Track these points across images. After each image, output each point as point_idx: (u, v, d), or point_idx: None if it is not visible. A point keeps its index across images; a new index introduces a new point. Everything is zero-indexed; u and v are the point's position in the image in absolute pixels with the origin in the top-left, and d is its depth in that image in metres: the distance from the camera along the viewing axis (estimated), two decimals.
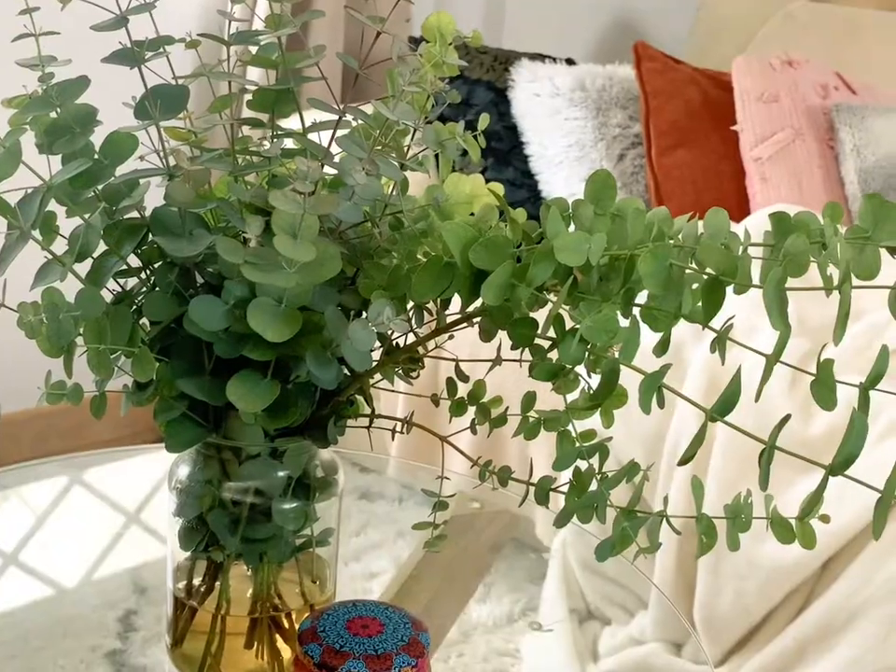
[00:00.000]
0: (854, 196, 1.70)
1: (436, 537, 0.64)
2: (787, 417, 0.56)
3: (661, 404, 0.54)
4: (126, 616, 1.23)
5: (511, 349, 0.57)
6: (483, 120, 0.73)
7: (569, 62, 2.13)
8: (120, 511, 1.43)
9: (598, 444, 0.57)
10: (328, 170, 0.59)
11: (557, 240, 0.51)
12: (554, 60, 2.05)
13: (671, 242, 0.55)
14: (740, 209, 1.75)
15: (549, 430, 0.63)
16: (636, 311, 0.56)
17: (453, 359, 0.62)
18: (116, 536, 1.42)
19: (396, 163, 0.59)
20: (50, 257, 0.61)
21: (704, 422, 0.54)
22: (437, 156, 0.67)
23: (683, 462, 0.56)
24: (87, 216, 0.61)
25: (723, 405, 0.54)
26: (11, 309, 0.60)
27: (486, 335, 0.61)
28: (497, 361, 0.60)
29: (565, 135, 1.87)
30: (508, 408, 0.63)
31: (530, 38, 2.56)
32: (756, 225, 1.73)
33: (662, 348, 0.56)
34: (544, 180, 1.89)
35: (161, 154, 0.61)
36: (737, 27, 2.40)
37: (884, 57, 2.09)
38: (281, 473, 0.65)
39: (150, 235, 0.64)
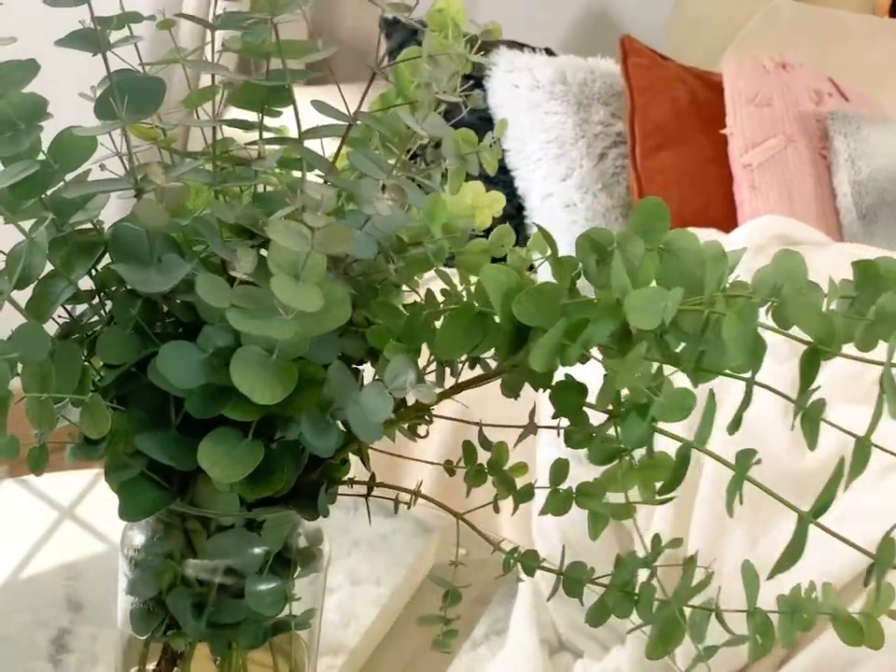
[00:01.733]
0: (846, 209, 1.63)
1: (447, 633, 0.54)
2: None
3: (740, 500, 0.44)
4: (59, 636, 1.13)
5: (553, 417, 0.47)
6: (501, 126, 0.63)
7: (549, 52, 2.02)
8: (52, 506, 1.33)
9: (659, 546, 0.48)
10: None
11: (630, 298, 0.41)
12: (533, 49, 1.95)
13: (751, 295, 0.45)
14: (727, 218, 1.67)
15: (582, 507, 0.53)
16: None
17: (474, 423, 0.52)
18: (46, 534, 1.31)
19: (415, 186, 0.48)
20: None
21: (684, 449, 0.44)
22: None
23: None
24: (30, 231, 0.50)
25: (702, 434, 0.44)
26: None
27: (511, 391, 0.50)
28: (531, 430, 0.50)
29: (544, 131, 1.77)
30: (536, 481, 0.52)
31: (503, 25, 2.45)
32: (747, 237, 1.65)
33: (735, 425, 0.46)
34: (521, 177, 1.78)
35: (125, 160, 0.49)
36: (717, 22, 2.32)
37: (869, 60, 2.02)
38: (258, 549, 0.54)
39: (108, 255, 0.53)
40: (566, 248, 0.44)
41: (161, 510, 0.52)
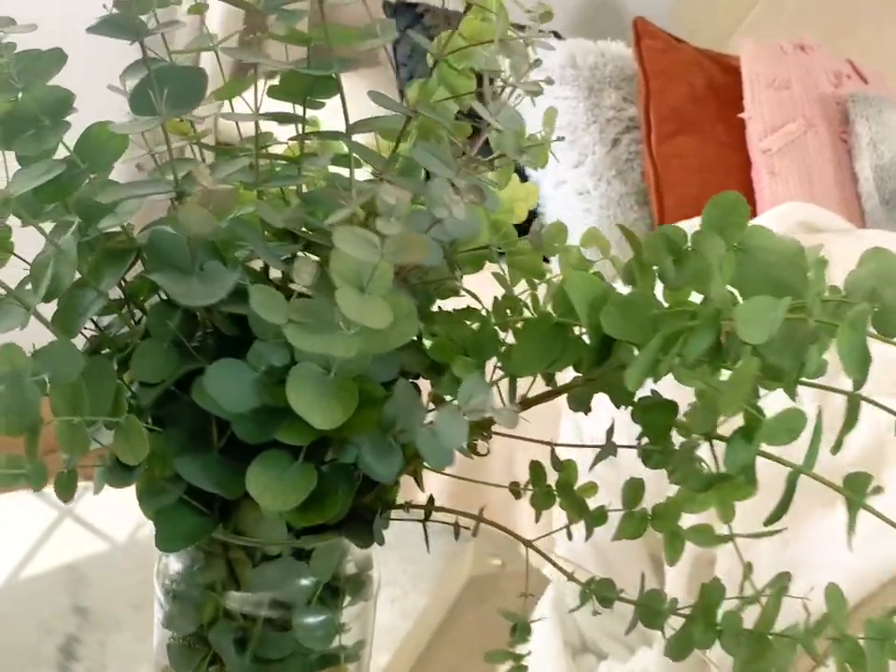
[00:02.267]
0: (868, 194, 1.59)
1: (516, 669, 0.49)
2: None
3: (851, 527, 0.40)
4: (67, 644, 1.09)
5: (638, 438, 0.43)
6: (550, 116, 0.59)
7: (556, 35, 1.97)
8: (51, 504, 1.29)
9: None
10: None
11: (741, 310, 0.37)
12: (540, 32, 1.89)
13: (860, 302, 0.41)
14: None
15: (659, 529, 0.49)
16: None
17: (545, 442, 0.47)
18: (44, 535, 1.27)
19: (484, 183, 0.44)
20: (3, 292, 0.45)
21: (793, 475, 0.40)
22: None
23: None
24: (54, 235, 0.45)
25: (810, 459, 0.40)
26: None
27: (581, 405, 0.46)
28: (610, 450, 0.46)
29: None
30: (610, 504, 0.48)
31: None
32: (769, 225, 1.60)
33: (837, 447, 0.42)
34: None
35: (157, 158, 0.45)
36: (724, 6, 2.27)
37: (884, 42, 1.98)
38: (306, 580, 0.50)
39: (140, 262, 0.48)
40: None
41: (201, 539, 0.48)
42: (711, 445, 0.41)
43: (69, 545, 1.25)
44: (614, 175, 1.69)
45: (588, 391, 0.46)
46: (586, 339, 0.41)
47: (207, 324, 0.47)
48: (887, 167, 1.59)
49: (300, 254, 0.41)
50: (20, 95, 0.42)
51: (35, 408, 0.41)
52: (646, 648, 1.33)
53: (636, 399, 0.43)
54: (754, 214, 1.62)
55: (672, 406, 0.42)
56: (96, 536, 1.29)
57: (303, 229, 0.44)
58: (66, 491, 0.48)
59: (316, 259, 0.42)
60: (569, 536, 0.48)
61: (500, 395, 0.46)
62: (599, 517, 0.48)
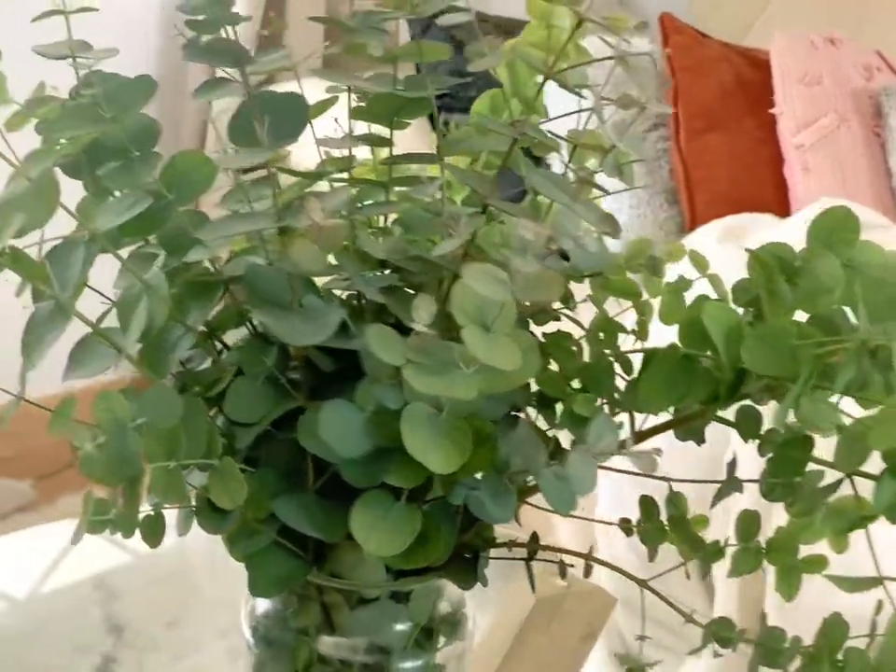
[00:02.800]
0: None
1: None
2: None
3: None
4: (104, 665, 1.08)
5: (774, 474, 0.41)
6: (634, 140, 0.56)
7: None
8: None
9: None
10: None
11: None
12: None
13: None
14: (778, 201, 1.60)
15: (774, 563, 0.47)
16: None
17: (660, 478, 0.45)
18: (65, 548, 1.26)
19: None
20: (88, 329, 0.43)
21: None
22: None
23: None
24: (140, 270, 0.43)
25: None
26: (42, 407, 0.41)
27: (692, 435, 0.44)
28: (734, 486, 0.43)
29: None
30: (727, 540, 0.46)
31: (516, 3, 2.36)
32: (807, 222, 1.57)
33: None
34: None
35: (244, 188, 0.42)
36: None
37: None
38: (403, 625, 0.47)
39: (226, 294, 0.46)
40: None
41: (297, 584, 0.46)
42: (852, 482, 0.38)
43: (92, 556, 1.24)
44: (644, 172, 1.67)
45: (702, 423, 0.43)
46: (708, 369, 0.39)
47: (298, 359, 0.45)
48: None
49: (421, 294, 0.38)
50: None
51: (137, 458, 0.39)
52: (694, 659, 1.31)
53: (762, 432, 0.41)
54: (787, 211, 1.59)
55: (809, 441, 0.40)
56: (117, 546, 1.27)
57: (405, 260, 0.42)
58: (154, 535, 0.45)
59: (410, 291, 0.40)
60: (687, 576, 0.45)
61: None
62: (716, 553, 0.45)
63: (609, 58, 0.43)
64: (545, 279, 0.33)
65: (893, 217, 1.60)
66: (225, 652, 1.48)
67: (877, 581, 0.42)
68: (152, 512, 0.45)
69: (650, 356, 0.40)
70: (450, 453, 0.38)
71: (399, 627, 0.48)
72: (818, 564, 0.47)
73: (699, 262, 0.51)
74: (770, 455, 0.42)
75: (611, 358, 0.42)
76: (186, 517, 0.47)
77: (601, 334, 0.47)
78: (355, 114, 0.47)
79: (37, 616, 1.05)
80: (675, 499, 0.46)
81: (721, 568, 1.24)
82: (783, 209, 1.60)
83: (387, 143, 0.45)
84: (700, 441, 0.44)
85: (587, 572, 0.46)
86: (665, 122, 1.70)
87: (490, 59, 0.41)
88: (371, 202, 0.46)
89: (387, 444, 0.40)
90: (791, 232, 1.49)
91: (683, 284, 0.50)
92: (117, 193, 0.43)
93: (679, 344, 0.39)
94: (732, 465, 0.43)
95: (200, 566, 1.45)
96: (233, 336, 0.50)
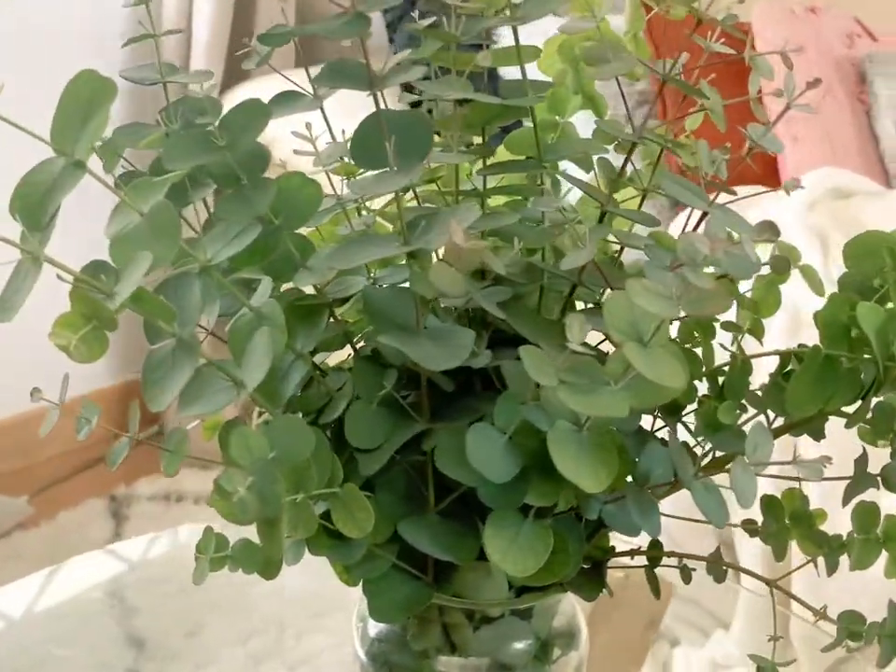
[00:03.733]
0: (893, 155, 1.58)
1: None
2: None
3: None
4: None
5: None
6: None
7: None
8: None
9: None
10: None
11: None
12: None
13: None
14: (767, 172, 1.60)
15: (890, 551, 0.46)
16: None
17: (792, 478, 0.45)
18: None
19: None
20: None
21: None
22: None
23: None
24: (251, 299, 0.41)
25: None
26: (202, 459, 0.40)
27: (815, 434, 0.44)
28: (868, 482, 0.43)
29: None
30: (850, 534, 0.46)
31: None
32: (803, 193, 1.59)
33: None
34: None
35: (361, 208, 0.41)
36: None
37: None
38: (525, 641, 0.47)
39: (334, 318, 0.45)
40: None
41: (421, 606, 0.45)
42: None
43: (104, 569, 1.22)
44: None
45: (824, 421, 0.43)
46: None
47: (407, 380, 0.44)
48: None
49: (573, 313, 0.37)
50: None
51: (280, 496, 0.37)
52: (722, 630, 1.32)
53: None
54: (777, 182, 1.60)
55: None
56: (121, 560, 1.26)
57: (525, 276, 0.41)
58: (274, 570, 0.44)
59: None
60: (818, 571, 0.45)
61: None
62: (841, 547, 0.45)
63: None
64: (714, 293, 0.33)
65: (882, 183, 1.61)
66: (245, 658, 1.47)
67: None
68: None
69: (786, 359, 0.40)
70: (599, 470, 0.37)
71: (519, 645, 0.48)
72: None
73: (791, 254, 0.50)
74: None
75: (744, 364, 0.42)
76: (297, 546, 0.46)
77: (695, 333, 0.47)
78: (440, 125, 0.46)
79: (53, 630, 1.03)
80: (794, 495, 0.46)
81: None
82: (773, 181, 1.60)
83: (490, 153, 0.44)
84: (820, 436, 0.44)
85: (719, 577, 0.46)
86: (648, 100, 1.70)
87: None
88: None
89: (529, 465, 0.39)
90: (785, 203, 1.49)
91: (779, 277, 0.49)
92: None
93: (821, 346, 0.38)
94: (862, 460, 0.43)
95: (212, 575, 1.43)
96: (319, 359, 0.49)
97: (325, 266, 0.40)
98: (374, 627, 0.50)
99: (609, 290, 0.45)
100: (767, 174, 1.62)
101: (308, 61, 0.46)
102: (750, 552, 1.30)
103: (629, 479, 0.41)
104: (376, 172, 0.37)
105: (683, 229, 0.42)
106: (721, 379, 0.43)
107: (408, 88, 0.57)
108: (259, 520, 0.38)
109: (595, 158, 0.48)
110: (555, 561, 0.43)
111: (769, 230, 0.37)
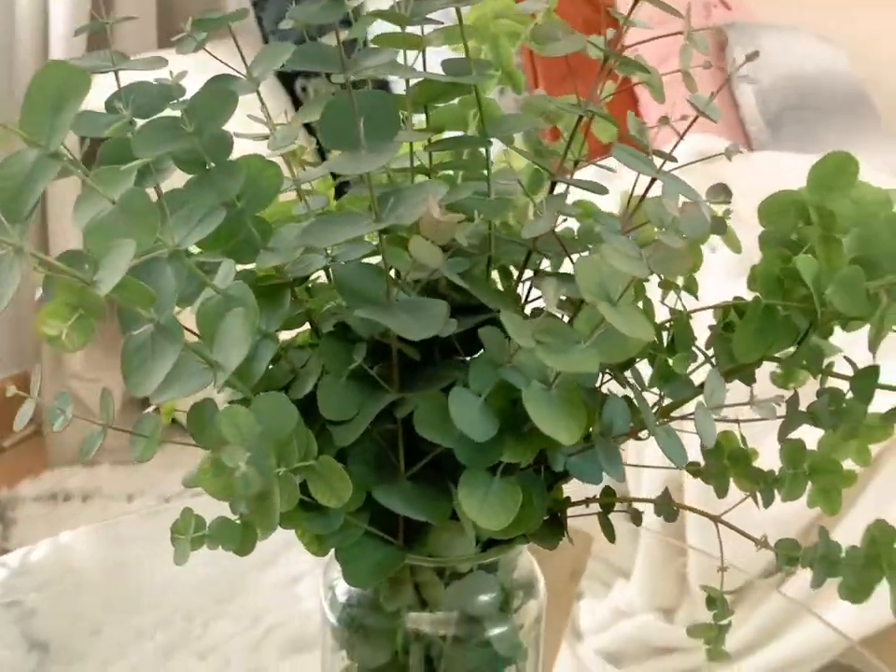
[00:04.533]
0: (752, 119, 1.66)
1: (718, 643, 0.51)
2: None
3: None
4: None
5: (831, 405, 0.45)
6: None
7: None
8: None
9: None
10: None
11: None
12: None
13: None
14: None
15: (819, 484, 0.51)
16: None
17: (732, 420, 0.48)
18: None
19: None
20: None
21: None
22: None
23: None
24: (216, 280, 0.42)
25: None
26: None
27: (747, 379, 0.48)
28: (800, 419, 0.47)
29: None
30: (781, 469, 0.50)
31: None
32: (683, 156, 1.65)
33: None
34: None
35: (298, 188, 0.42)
36: None
37: None
38: (491, 593, 0.49)
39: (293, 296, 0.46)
40: None
41: (395, 569, 0.47)
42: None
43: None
44: None
45: (756, 367, 0.47)
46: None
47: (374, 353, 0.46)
48: (767, 91, 1.67)
49: (548, 277, 0.40)
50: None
51: (273, 470, 0.39)
52: (623, 580, 1.39)
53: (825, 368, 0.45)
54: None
55: (876, 370, 0.44)
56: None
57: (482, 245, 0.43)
58: (248, 545, 0.45)
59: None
60: (757, 503, 0.49)
61: None
62: (774, 481, 0.49)
63: None
64: (678, 253, 0.36)
65: (744, 145, 1.70)
66: (154, 651, 1.45)
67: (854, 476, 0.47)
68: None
69: (727, 311, 0.43)
70: (571, 424, 0.40)
71: (486, 597, 0.50)
72: (849, 479, 0.52)
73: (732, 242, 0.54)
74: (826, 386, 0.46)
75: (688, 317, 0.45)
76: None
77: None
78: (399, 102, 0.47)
79: None
80: (731, 437, 0.50)
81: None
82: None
83: (439, 130, 0.46)
84: (751, 381, 0.48)
85: (669, 516, 0.50)
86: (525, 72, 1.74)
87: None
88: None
89: (502, 425, 0.41)
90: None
91: (702, 237, 0.53)
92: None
93: (760, 297, 0.42)
94: (793, 400, 0.47)
95: (105, 571, 1.42)
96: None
97: (299, 245, 0.41)
98: (344, 594, 0.52)
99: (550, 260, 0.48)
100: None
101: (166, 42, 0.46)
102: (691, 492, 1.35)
103: (594, 432, 0.44)
104: (345, 152, 0.38)
105: (630, 196, 0.45)
106: (664, 334, 0.46)
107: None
108: (255, 494, 0.39)
109: (522, 133, 0.51)
110: (523, 514, 0.45)
111: (723, 191, 0.41)
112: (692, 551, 1.28)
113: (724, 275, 1.40)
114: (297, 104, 1.57)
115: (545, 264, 0.50)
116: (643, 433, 0.47)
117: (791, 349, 0.44)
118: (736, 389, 0.47)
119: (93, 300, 0.36)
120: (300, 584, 1.61)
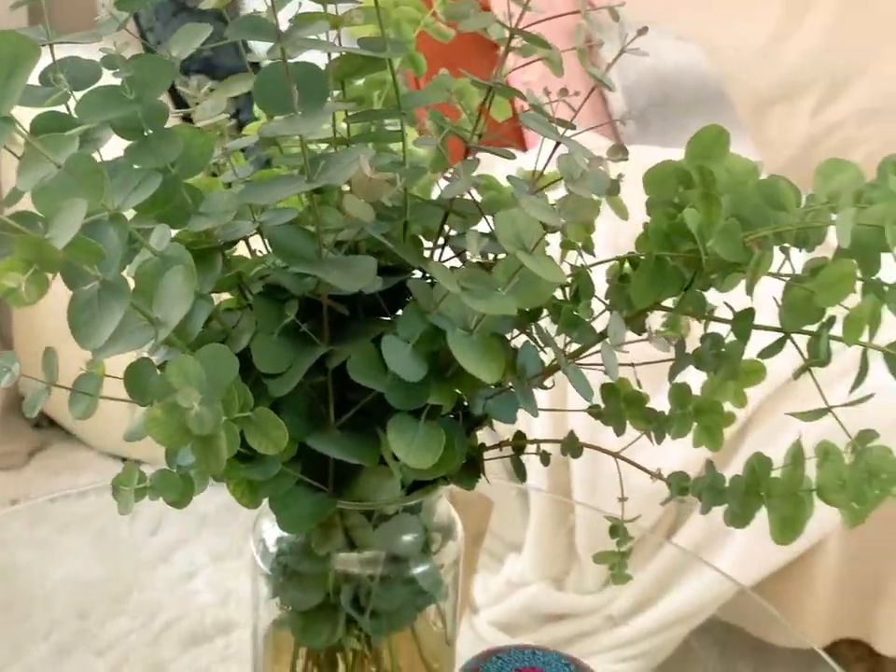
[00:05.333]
0: (619, 112, 1.75)
1: (620, 568, 0.56)
2: None
3: None
4: None
5: (712, 349, 0.50)
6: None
7: None
8: None
9: None
10: None
11: (839, 223, 0.45)
12: None
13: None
14: (514, 136, 1.73)
15: (702, 422, 0.57)
16: None
17: (627, 364, 0.53)
18: None
19: None
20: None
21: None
22: None
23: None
24: (151, 242, 0.45)
25: None
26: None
27: (637, 329, 0.53)
28: (687, 360, 0.52)
29: None
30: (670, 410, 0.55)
31: None
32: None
33: None
34: None
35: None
36: None
37: None
38: (414, 534, 0.53)
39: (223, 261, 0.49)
40: None
41: (327, 512, 0.50)
42: (793, 340, 0.49)
43: None
44: None
45: (645, 316, 0.52)
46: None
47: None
48: (633, 87, 1.76)
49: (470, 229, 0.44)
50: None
51: (220, 414, 0.41)
52: (514, 554, 1.44)
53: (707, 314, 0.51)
54: (525, 148, 1.73)
55: (752, 312, 0.49)
56: None
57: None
58: (187, 497, 0.48)
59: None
60: (651, 440, 0.55)
61: None
62: (665, 421, 0.55)
63: None
64: (587, 202, 0.40)
65: (612, 138, 1.79)
66: (50, 651, 1.44)
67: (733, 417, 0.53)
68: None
69: (621, 263, 0.49)
70: (491, 364, 0.44)
71: (409, 537, 0.54)
72: (729, 419, 0.58)
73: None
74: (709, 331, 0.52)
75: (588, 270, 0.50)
76: (203, 475, 0.50)
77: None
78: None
79: None
80: (624, 383, 0.55)
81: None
82: (521, 142, 1.74)
83: (362, 101, 0.49)
84: (642, 331, 0.53)
85: (575, 454, 0.55)
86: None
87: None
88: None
89: (428, 370, 0.45)
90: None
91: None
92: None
93: (651, 250, 0.47)
94: (681, 344, 0.53)
95: None
96: None
97: (240, 202, 0.44)
98: (274, 544, 0.55)
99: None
100: (513, 135, 1.75)
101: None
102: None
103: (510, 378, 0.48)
104: (281, 117, 0.41)
105: (536, 161, 0.50)
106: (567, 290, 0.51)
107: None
108: (202, 437, 0.42)
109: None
110: (445, 456, 0.49)
111: (621, 151, 0.45)
112: (579, 520, 1.34)
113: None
114: (176, 99, 1.57)
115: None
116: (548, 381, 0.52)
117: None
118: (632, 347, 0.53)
119: (49, 254, 0.38)
120: (194, 580, 1.61)
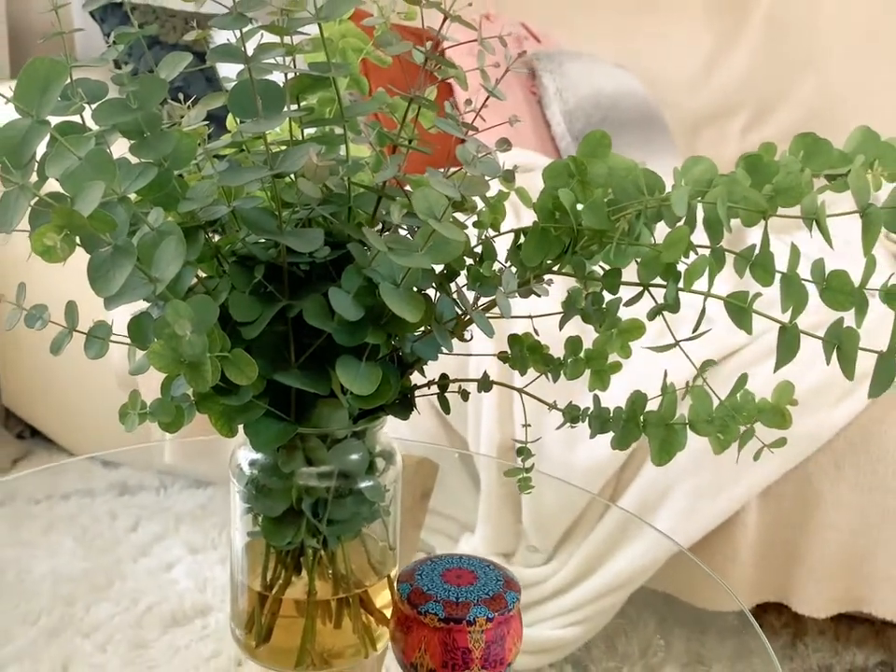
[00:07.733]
0: (561, 135, 1.90)
1: (525, 478, 0.70)
2: None
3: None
4: None
5: (593, 304, 0.64)
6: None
7: None
8: None
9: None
10: None
11: (673, 196, 0.59)
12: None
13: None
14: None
15: (593, 367, 0.71)
16: None
17: (525, 317, 0.67)
18: None
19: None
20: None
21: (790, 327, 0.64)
22: None
23: None
24: (155, 224, 0.58)
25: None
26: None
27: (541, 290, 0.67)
28: (573, 312, 0.66)
29: None
30: (563, 357, 0.69)
31: None
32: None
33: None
34: None
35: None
36: None
37: (549, 3, 2.30)
38: (360, 454, 0.67)
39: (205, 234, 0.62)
40: None
41: (290, 436, 0.63)
42: (650, 293, 0.63)
43: None
44: None
45: (542, 279, 0.66)
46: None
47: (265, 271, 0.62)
48: (573, 111, 1.92)
49: (390, 200, 0.57)
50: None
51: (206, 344, 0.55)
52: (468, 534, 1.57)
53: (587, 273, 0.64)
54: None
55: (618, 270, 0.63)
56: None
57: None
58: (179, 424, 0.61)
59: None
60: (548, 379, 0.68)
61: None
62: (560, 364, 0.69)
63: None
64: (478, 181, 0.54)
65: (555, 157, 1.94)
66: (38, 634, 1.55)
67: (675, 345, 0.67)
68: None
69: (518, 232, 0.63)
70: (413, 308, 0.58)
71: (355, 457, 0.67)
72: (615, 367, 0.72)
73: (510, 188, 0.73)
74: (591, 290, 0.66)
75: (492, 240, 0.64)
76: (190, 409, 0.63)
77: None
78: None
79: None
80: (527, 334, 0.69)
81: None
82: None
83: (311, 111, 0.63)
84: (544, 294, 0.67)
85: (486, 388, 0.68)
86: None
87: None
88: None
89: (366, 316, 0.59)
90: None
91: (506, 194, 0.72)
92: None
93: (539, 222, 0.61)
94: (569, 300, 0.67)
95: None
96: None
97: (219, 184, 0.57)
98: (248, 466, 0.68)
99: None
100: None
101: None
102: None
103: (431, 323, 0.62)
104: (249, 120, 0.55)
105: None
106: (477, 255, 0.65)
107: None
108: (192, 364, 0.55)
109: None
110: (383, 388, 0.63)
111: (505, 142, 0.59)
112: (524, 501, 1.47)
113: None
114: None
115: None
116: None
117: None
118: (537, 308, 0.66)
119: (78, 220, 0.51)
120: (173, 570, 1.73)
